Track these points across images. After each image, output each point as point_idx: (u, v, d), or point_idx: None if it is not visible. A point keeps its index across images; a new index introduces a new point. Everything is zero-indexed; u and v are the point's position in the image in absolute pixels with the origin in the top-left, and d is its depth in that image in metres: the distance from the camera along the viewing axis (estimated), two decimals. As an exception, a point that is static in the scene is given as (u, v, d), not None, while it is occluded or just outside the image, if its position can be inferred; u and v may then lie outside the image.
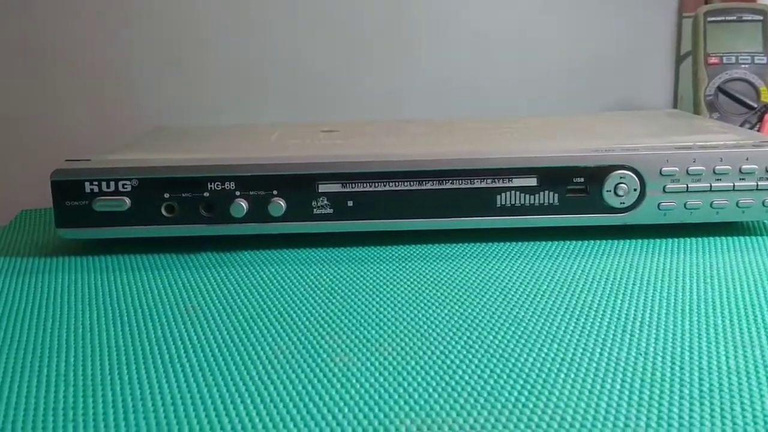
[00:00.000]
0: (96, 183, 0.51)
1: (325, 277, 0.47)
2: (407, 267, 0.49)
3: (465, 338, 0.38)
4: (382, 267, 0.49)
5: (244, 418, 0.31)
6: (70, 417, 0.31)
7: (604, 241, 0.53)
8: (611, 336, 0.38)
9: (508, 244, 0.53)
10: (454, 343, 0.37)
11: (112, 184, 0.52)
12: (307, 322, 0.40)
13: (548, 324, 0.39)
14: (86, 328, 0.40)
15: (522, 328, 0.39)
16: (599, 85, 0.85)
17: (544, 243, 0.53)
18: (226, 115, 0.83)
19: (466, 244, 0.53)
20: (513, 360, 0.35)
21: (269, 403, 0.32)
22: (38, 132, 0.81)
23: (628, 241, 0.53)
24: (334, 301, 0.43)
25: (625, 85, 0.85)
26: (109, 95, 0.81)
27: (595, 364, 0.35)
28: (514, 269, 0.48)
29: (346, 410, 0.31)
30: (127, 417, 0.31)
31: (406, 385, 0.33)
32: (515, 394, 0.32)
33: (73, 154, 0.55)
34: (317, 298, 0.44)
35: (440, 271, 0.48)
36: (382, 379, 0.34)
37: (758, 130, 0.69)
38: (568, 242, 0.53)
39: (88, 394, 0.33)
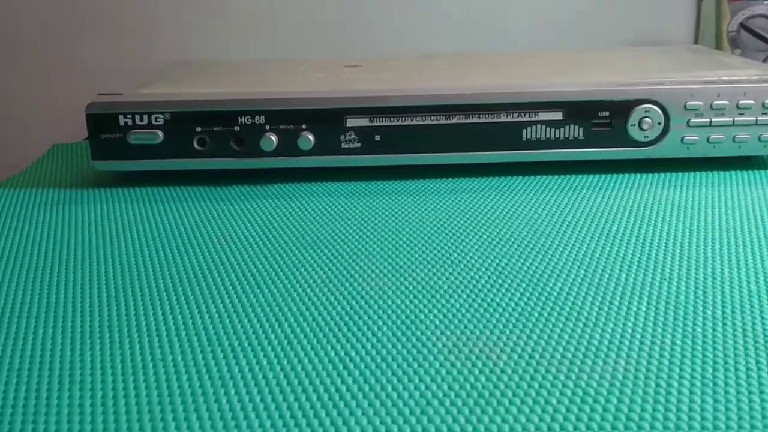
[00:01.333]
0: (130, 116, 0.53)
1: (355, 209, 0.49)
2: (435, 199, 0.50)
3: (494, 265, 0.39)
4: (409, 199, 0.50)
5: (282, 341, 0.32)
6: (117, 338, 0.33)
7: (628, 175, 0.54)
8: (636, 262, 0.39)
9: (534, 177, 0.54)
10: (484, 269, 0.39)
11: (146, 117, 0.53)
12: (341, 250, 0.42)
13: (575, 252, 0.40)
14: (124, 259, 0.42)
15: (549, 256, 0.40)
16: (621, 20, 0.85)
17: (569, 176, 0.54)
18: (245, 50, 0.83)
19: (493, 178, 0.54)
20: (541, 285, 0.37)
21: (311, 322, 0.33)
22: (61, 65, 0.82)
23: (652, 174, 0.54)
24: (365, 230, 0.45)
25: (647, 19, 0.85)
26: (127, 29, 0.81)
27: (621, 288, 0.36)
28: (539, 201, 0.49)
29: (384, 328, 0.33)
30: (171, 340, 0.33)
31: (440, 306, 0.35)
32: (545, 314, 0.34)
33: (99, 88, 0.56)
34: (349, 228, 0.45)
35: (467, 203, 0.49)
36: (416, 302, 0.35)
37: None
38: (593, 176, 0.54)
39: (132, 320, 0.35)
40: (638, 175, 0.54)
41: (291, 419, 0.26)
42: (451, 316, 0.34)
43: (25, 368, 0.30)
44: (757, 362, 0.29)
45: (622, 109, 0.52)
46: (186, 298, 0.36)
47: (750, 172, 0.54)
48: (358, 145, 0.53)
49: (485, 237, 0.43)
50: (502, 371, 0.29)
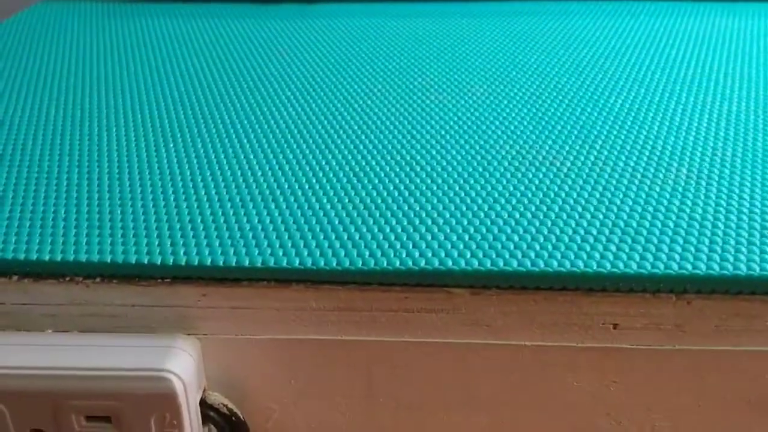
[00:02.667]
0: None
1: (409, 29, 0.48)
2: (492, 22, 0.49)
3: (554, 83, 0.39)
4: (465, 21, 0.50)
5: (349, 145, 0.33)
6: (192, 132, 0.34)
7: (685, 2, 0.52)
8: (696, 83, 0.39)
9: (592, 2, 0.53)
10: (543, 86, 0.39)
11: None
12: (398, 66, 0.42)
13: (634, 72, 0.40)
14: (182, 69, 0.42)
15: (609, 76, 0.40)
16: None
17: (626, 2, 0.53)
18: None
19: (550, 2, 0.53)
20: (602, 101, 0.37)
21: (375, 130, 0.34)
22: None
23: (709, 3, 0.52)
24: (420, 48, 0.45)
25: None
26: None
27: (681, 106, 0.36)
28: (598, 26, 0.48)
29: (447, 137, 0.33)
30: (242, 141, 0.34)
31: (501, 119, 0.35)
32: (606, 127, 0.34)
33: None
34: (403, 46, 0.45)
35: (525, 25, 0.48)
36: (477, 114, 0.36)
37: None
38: (650, 2, 0.53)
39: (199, 117, 0.36)
40: (695, 3, 0.52)
41: (357, 218, 0.27)
42: (513, 128, 0.34)
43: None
44: (818, 174, 0.30)
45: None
46: (249, 106, 0.37)
47: (814, 2, 0.52)
48: (412, -35, 0.52)
49: (543, 57, 0.43)
50: (566, 175, 0.30)
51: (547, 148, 0.32)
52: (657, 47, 0.44)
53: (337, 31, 0.48)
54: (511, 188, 0.29)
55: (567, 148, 0.32)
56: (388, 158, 0.32)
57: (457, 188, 0.29)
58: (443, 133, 0.34)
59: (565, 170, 0.30)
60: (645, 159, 0.31)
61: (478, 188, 0.29)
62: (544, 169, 0.30)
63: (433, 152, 0.32)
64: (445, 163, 0.31)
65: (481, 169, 0.31)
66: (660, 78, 0.40)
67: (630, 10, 0.51)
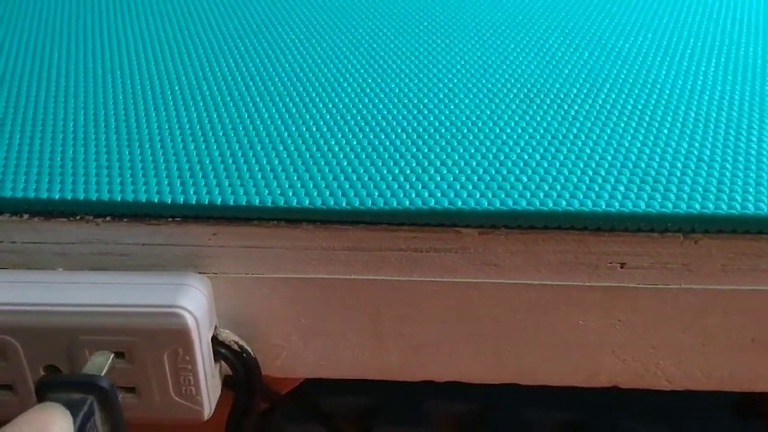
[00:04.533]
0: None
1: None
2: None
3: (561, 27, 0.39)
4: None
5: (355, 88, 0.33)
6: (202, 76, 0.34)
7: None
8: (704, 29, 0.38)
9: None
10: (551, 30, 0.39)
11: None
12: (403, 8, 0.42)
13: (642, 17, 0.40)
14: (186, 12, 0.42)
15: (617, 20, 0.40)
16: None
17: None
18: None
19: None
20: (609, 45, 0.37)
21: (381, 73, 0.34)
22: None
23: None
24: (426, -6, 0.44)
25: None
26: None
27: (689, 51, 0.36)
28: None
29: (455, 80, 0.33)
30: (247, 84, 0.33)
31: (508, 62, 0.35)
32: (614, 71, 0.34)
33: None
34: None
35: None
36: (485, 57, 0.36)
37: None
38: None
39: (204, 60, 0.35)
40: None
41: (366, 159, 0.27)
42: (520, 71, 0.34)
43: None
44: (826, 117, 0.30)
45: None
46: (255, 50, 0.37)
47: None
48: None
49: (551, 2, 0.42)
50: (575, 117, 0.30)
51: (555, 91, 0.32)
52: (665, -8, 0.44)
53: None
54: (519, 130, 0.29)
55: (575, 90, 0.32)
56: (395, 101, 0.32)
57: (465, 130, 0.29)
58: (450, 76, 0.34)
59: (573, 113, 0.30)
60: (653, 102, 0.31)
61: (486, 130, 0.29)
62: (552, 112, 0.30)
63: (441, 95, 0.32)
64: (453, 106, 0.31)
65: (489, 112, 0.30)
66: (668, 23, 0.39)
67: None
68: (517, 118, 0.30)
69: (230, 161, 0.27)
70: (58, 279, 0.25)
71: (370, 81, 0.33)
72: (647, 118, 0.30)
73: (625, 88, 0.32)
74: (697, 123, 0.29)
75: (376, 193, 0.25)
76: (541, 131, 0.29)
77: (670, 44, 0.37)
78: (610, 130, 0.29)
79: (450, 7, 0.42)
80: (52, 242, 0.26)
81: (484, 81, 0.33)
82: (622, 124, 0.29)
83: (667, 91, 0.32)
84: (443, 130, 0.29)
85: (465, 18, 0.40)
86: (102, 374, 0.23)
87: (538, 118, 0.30)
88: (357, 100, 0.32)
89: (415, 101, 0.31)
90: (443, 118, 0.30)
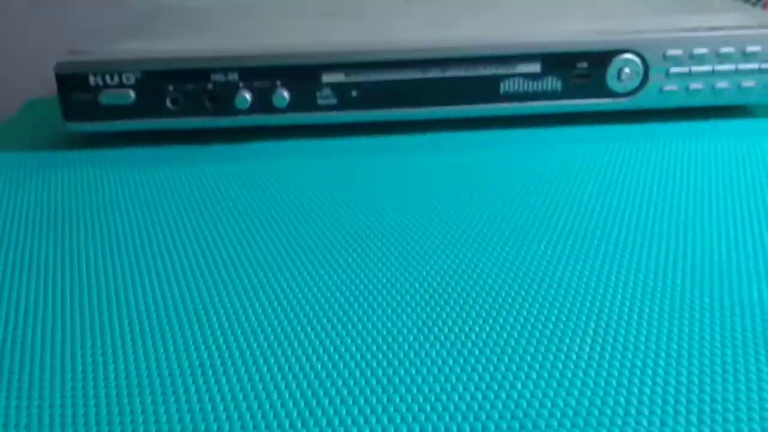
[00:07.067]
0: (100, 76, 0.51)
1: (333, 168, 0.48)
2: (414, 158, 0.50)
3: (480, 224, 0.39)
4: (387, 159, 0.50)
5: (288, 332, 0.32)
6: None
7: (607, 127, 0.53)
8: (623, 217, 0.39)
9: (512, 131, 0.54)
10: (474, 229, 0.39)
11: (116, 76, 0.52)
12: (324, 204, 0.42)
13: (572, 207, 0.41)
14: (96, 224, 0.42)
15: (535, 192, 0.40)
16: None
17: (546, 130, 0.53)
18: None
19: (470, 132, 0.54)
20: (529, 244, 0.37)
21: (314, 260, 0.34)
22: (37, 16, 0.80)
23: (629, 126, 0.53)
24: (339, 193, 0.45)
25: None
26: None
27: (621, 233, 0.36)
28: (529, 156, 0.49)
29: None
30: (166, 295, 0.33)
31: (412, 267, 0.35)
32: (527, 281, 0.34)
33: (71, 35, 0.55)
34: (318, 189, 0.45)
35: (447, 161, 0.49)
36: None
37: (764, 7, 0.69)
38: (571, 128, 0.53)
39: (119, 275, 0.35)
40: (617, 126, 0.53)
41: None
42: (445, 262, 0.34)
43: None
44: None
45: (601, 60, 0.52)
46: (172, 261, 0.36)
47: (729, 121, 0.54)
48: (335, 101, 0.53)
49: (467, 197, 0.43)
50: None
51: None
52: (574, 182, 0.44)
53: (260, 176, 0.48)
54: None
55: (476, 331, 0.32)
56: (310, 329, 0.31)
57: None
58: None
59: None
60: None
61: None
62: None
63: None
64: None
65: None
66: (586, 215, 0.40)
67: (551, 137, 0.52)
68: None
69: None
70: None
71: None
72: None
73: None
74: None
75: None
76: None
77: (585, 240, 0.37)
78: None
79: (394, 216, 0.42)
80: None
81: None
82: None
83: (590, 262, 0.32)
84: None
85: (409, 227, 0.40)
86: None
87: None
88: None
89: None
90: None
